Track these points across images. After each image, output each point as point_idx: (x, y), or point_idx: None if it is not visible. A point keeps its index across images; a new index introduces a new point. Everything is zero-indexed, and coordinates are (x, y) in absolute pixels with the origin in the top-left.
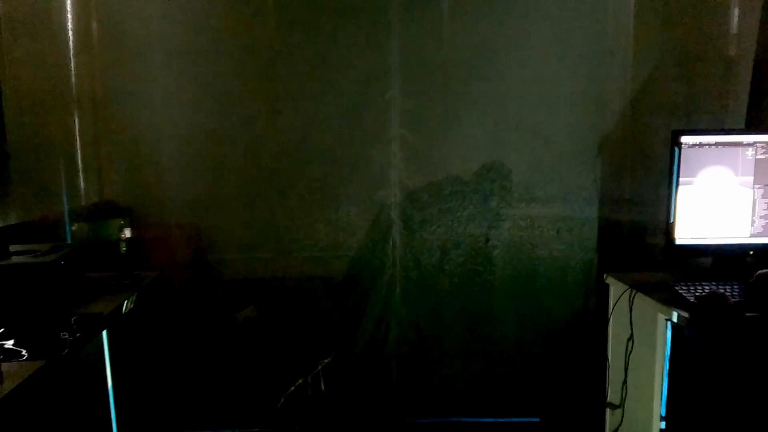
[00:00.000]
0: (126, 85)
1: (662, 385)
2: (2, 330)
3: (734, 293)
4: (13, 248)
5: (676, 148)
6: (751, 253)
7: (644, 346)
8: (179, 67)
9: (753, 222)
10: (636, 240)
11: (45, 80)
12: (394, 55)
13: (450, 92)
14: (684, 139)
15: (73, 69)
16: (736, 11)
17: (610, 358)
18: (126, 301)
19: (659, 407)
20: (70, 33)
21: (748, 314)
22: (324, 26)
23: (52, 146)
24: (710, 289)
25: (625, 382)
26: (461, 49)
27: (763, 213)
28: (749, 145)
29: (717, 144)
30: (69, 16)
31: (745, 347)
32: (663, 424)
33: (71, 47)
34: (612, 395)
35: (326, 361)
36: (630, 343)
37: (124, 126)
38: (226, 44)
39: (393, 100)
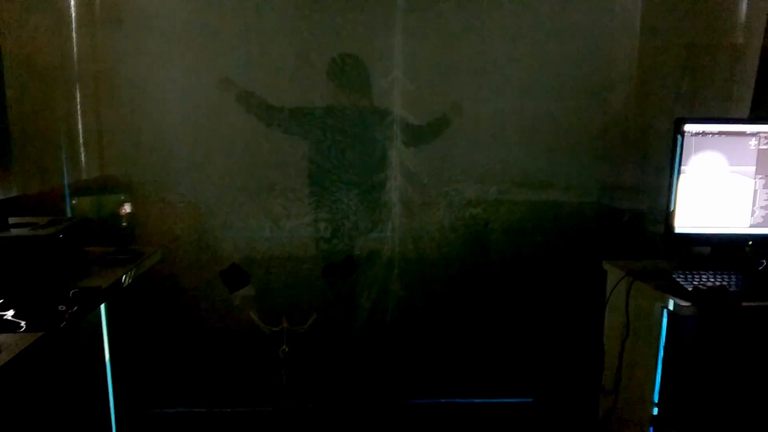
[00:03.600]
0: (128, 61)
1: (656, 371)
2: (1, 301)
3: (731, 283)
4: (12, 221)
5: (679, 136)
6: (750, 243)
7: (640, 333)
8: (182, 43)
9: (753, 212)
10: (635, 227)
11: (47, 55)
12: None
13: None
14: (687, 127)
15: (75, 44)
16: None
17: (605, 343)
18: (125, 276)
19: (652, 393)
20: (73, 8)
21: (745, 304)
22: (328, 8)
23: (53, 120)
24: (708, 278)
25: (619, 367)
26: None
27: (764, 203)
28: (753, 135)
29: (720, 133)
30: None
31: (743, 337)
32: (655, 410)
33: (74, 23)
34: (606, 380)
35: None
36: (625, 330)
37: (125, 102)
38: (228, 22)
39: (395, 81)
